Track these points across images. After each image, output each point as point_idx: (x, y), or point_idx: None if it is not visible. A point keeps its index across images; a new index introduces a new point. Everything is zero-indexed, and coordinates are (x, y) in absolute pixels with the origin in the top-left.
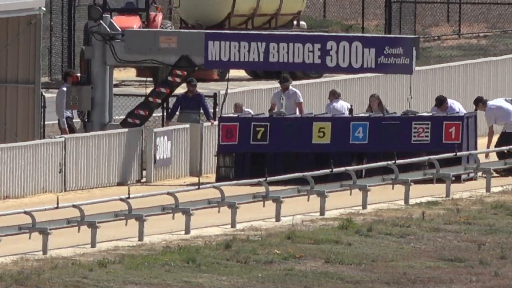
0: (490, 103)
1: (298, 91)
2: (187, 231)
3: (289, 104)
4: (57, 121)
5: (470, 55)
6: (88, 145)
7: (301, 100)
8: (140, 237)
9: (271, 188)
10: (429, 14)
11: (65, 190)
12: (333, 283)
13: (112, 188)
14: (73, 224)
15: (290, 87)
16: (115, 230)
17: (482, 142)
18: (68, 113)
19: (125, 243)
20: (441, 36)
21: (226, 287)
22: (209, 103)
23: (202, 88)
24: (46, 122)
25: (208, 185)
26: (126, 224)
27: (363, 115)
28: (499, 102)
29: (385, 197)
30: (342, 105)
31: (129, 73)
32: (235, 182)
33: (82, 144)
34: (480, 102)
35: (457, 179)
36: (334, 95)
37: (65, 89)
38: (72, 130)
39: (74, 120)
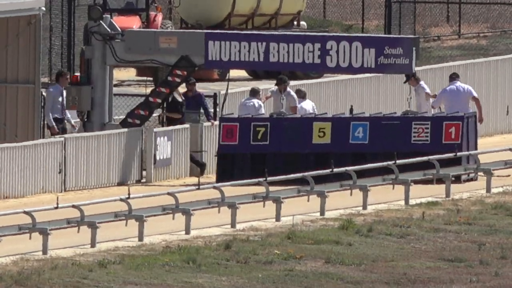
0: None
1: (295, 95)
2: (187, 231)
3: (286, 106)
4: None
5: (470, 55)
6: (88, 145)
7: (296, 104)
8: (140, 238)
9: (271, 188)
10: (429, 14)
11: (65, 190)
12: (333, 284)
13: (112, 188)
14: (73, 225)
15: (288, 88)
16: (115, 230)
17: (482, 142)
18: (57, 115)
19: (125, 243)
20: (441, 36)
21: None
22: (209, 103)
23: (202, 88)
24: (46, 122)
25: (208, 185)
26: (126, 225)
27: (363, 115)
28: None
29: (385, 197)
30: (309, 104)
31: (129, 73)
32: (235, 182)
33: (82, 144)
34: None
35: (457, 179)
36: (299, 94)
37: (52, 90)
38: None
39: (73, 121)
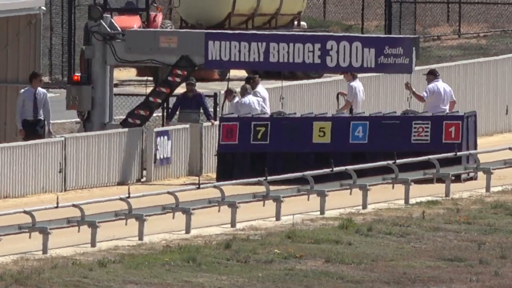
0: None
1: (260, 92)
2: (187, 230)
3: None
4: (57, 121)
5: (470, 55)
6: (88, 145)
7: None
8: (140, 237)
9: (271, 187)
10: (429, 14)
11: (65, 190)
12: (333, 283)
13: (112, 187)
14: (73, 224)
15: (258, 86)
16: (115, 229)
17: (482, 141)
18: (27, 117)
19: (125, 242)
20: (441, 36)
21: (226, 287)
22: (209, 103)
23: (202, 88)
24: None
25: (208, 185)
26: (126, 224)
27: (363, 115)
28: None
29: (385, 196)
30: (253, 101)
31: (130, 73)
32: (235, 181)
33: (82, 143)
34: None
35: (457, 178)
36: (246, 91)
37: (21, 92)
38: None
39: (67, 121)
